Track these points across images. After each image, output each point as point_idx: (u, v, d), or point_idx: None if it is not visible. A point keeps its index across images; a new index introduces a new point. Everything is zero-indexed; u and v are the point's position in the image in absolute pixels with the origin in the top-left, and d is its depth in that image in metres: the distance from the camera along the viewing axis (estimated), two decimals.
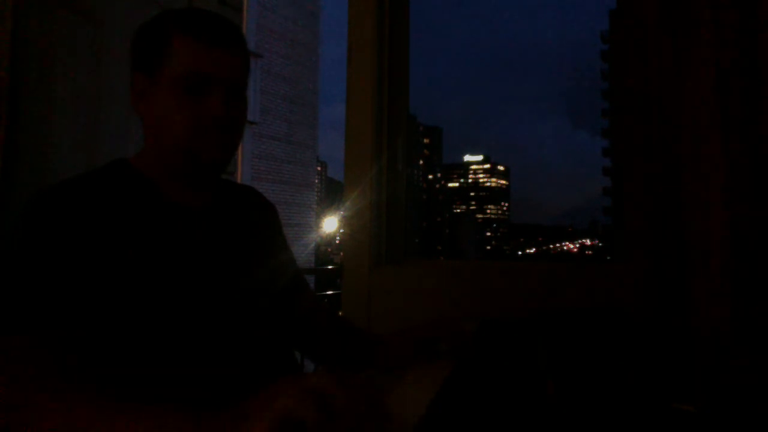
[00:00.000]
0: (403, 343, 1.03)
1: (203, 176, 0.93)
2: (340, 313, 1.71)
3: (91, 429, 0.59)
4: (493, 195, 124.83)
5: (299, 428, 0.52)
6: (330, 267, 3.95)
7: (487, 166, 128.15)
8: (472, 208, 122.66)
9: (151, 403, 0.60)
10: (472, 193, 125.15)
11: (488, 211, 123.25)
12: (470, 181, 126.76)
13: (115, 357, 0.74)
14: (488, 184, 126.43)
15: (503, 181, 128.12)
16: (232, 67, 0.87)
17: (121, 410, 0.60)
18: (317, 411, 0.53)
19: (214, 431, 0.56)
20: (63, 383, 0.64)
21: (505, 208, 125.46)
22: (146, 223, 0.82)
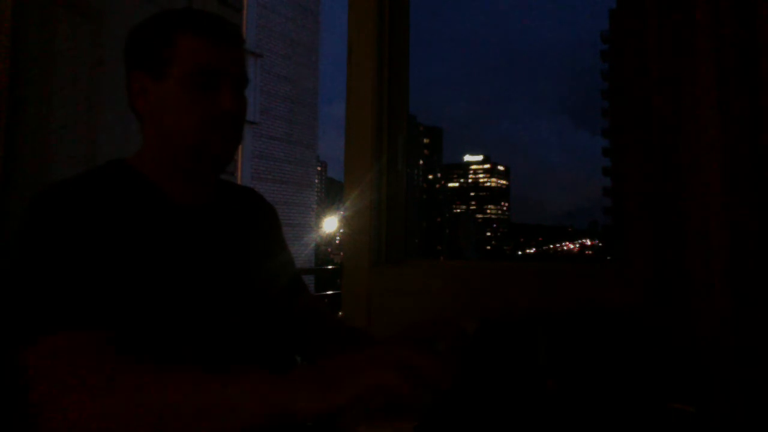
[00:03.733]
0: (402, 344, 1.02)
1: (210, 172, 0.93)
2: (340, 314, 1.71)
3: (188, 393, 0.59)
4: (493, 195, 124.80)
5: (389, 397, 0.55)
6: (330, 267, 3.96)
7: (487, 166, 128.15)
8: (472, 208, 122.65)
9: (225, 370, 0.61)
10: (472, 193, 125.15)
11: (488, 211, 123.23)
12: (470, 181, 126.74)
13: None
14: (488, 184, 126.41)
15: (503, 181, 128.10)
16: (237, 62, 0.89)
17: (207, 376, 0.61)
18: (407, 382, 0.55)
19: (303, 390, 0.57)
20: (136, 363, 0.64)
21: (505, 208, 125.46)
22: (148, 222, 0.82)
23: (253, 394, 0.58)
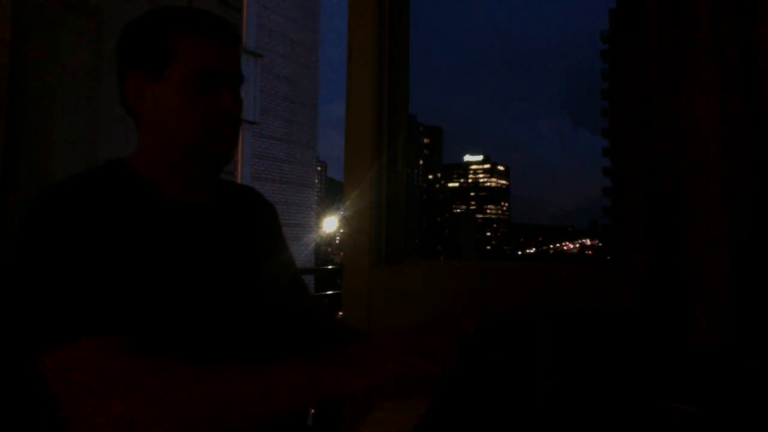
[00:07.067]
0: (402, 344, 1.02)
1: (209, 172, 0.94)
2: (340, 314, 1.71)
3: (227, 388, 0.65)
4: (493, 195, 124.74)
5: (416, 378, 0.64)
6: (330, 267, 3.97)
7: (487, 166, 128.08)
8: (472, 208, 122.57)
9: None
10: (472, 193, 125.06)
11: (488, 211, 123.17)
12: (470, 181, 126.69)
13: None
14: (488, 184, 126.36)
15: (503, 181, 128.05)
16: (235, 61, 0.90)
17: (242, 370, 0.67)
18: (428, 363, 0.64)
19: (338, 374, 0.64)
20: (167, 362, 0.68)
21: (505, 208, 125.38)
22: (148, 222, 0.82)
23: (310, 377, 0.64)
